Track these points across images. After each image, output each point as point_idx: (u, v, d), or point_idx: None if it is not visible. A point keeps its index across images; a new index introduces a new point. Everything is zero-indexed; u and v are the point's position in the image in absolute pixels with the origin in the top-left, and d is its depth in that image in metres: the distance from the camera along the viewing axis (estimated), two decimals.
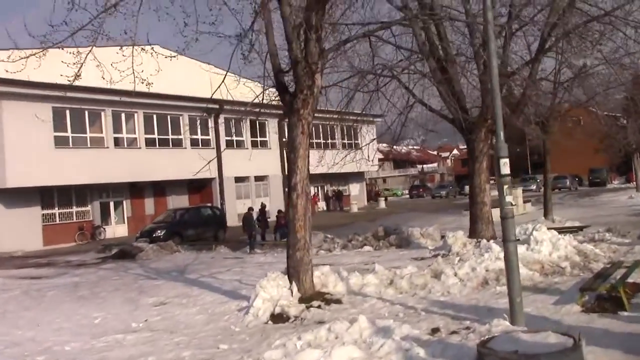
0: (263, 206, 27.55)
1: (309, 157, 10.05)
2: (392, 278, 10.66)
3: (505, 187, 7.34)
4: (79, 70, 8.83)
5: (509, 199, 7.34)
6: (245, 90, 12.64)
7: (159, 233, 27.22)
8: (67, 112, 32.82)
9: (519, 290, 7.39)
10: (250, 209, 25.53)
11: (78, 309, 12.21)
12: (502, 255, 11.03)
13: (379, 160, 66.14)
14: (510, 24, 15.71)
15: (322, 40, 9.82)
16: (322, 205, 50.76)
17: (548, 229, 16.60)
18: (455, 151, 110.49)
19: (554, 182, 62.50)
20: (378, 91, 17.72)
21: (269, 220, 27.08)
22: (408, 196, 74.83)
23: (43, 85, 29.95)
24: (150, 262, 21.12)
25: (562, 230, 17.52)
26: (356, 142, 37.15)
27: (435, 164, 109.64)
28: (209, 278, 15.80)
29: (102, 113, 34.56)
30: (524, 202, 33.98)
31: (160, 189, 39.56)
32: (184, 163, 34.38)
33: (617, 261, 10.23)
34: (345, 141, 49.95)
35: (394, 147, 21.06)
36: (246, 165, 40.28)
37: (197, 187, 41.54)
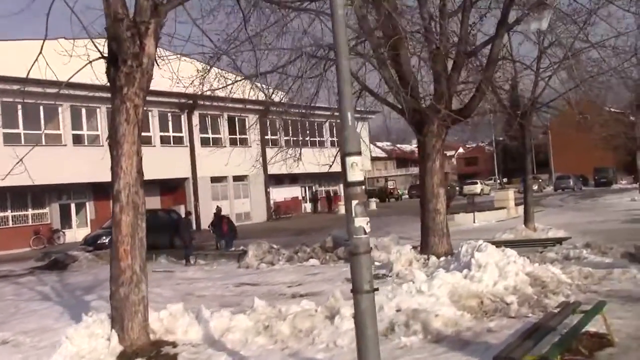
0: (219, 210, 24.80)
1: (139, 154, 7.25)
2: (271, 320, 7.83)
3: (355, 203, 4.49)
4: None
5: (359, 222, 4.49)
6: None
7: (105, 240, 24.53)
8: (19, 107, 30.29)
9: None
10: (189, 213, 22.85)
11: None
12: (424, 287, 8.22)
13: (374, 158, 63.25)
14: None
15: None
16: (307, 206, 48.01)
17: (516, 242, 13.86)
18: (460, 149, 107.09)
19: (557, 182, 59.37)
20: (323, 76, 15.02)
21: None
22: (408, 196, 71.73)
23: None
24: (73, 275, 18.70)
25: (535, 243, 14.71)
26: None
27: None
28: (101, 301, 13.15)
29: (60, 108, 31.98)
30: (516, 204, 30.95)
31: None
32: (153, 162, 31.62)
33: (571, 302, 7.28)
34: (335, 139, 47.49)
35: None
36: (224, 164, 37.59)
37: (170, 187, 38.96)
